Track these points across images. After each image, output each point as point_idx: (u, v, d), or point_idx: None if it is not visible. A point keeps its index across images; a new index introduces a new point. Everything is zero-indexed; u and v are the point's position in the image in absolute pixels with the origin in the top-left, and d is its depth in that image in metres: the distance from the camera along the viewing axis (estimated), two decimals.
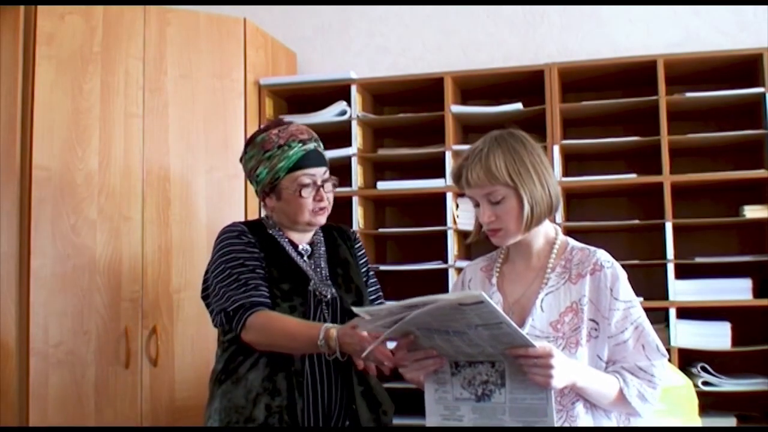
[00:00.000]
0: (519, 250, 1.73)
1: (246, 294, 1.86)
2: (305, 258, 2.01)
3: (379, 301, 2.16)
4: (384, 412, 1.98)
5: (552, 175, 1.68)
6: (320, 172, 1.97)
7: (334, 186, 2.02)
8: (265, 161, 1.94)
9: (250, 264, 1.90)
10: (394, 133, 3.31)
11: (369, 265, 2.18)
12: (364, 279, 2.10)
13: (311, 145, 1.97)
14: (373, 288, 2.15)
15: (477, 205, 1.68)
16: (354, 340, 1.68)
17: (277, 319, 1.84)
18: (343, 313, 1.95)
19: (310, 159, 1.96)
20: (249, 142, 2.01)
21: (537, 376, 1.44)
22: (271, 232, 2.00)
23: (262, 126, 2.05)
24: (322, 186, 1.97)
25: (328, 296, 1.95)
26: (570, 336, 1.60)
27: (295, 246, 2.01)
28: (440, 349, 1.53)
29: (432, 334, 1.49)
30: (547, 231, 1.73)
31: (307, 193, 1.94)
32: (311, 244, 2.05)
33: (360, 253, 2.14)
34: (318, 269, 2.00)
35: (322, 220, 1.99)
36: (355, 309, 1.60)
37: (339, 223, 2.19)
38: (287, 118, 3.10)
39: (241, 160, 2.04)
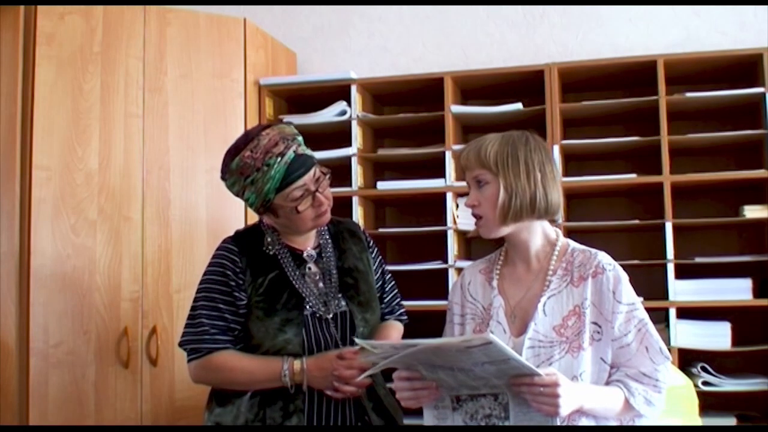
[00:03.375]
0: (518, 252, 1.73)
1: (198, 338, 1.82)
2: (310, 265, 1.92)
3: (397, 301, 2.10)
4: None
5: (551, 178, 1.68)
6: (310, 177, 1.82)
7: (329, 179, 1.87)
8: (249, 186, 1.80)
9: (220, 300, 1.83)
10: (394, 133, 3.31)
11: (384, 266, 2.08)
12: (379, 283, 2.03)
13: (290, 154, 1.79)
14: (391, 295, 2.07)
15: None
16: (323, 374, 1.74)
17: (225, 362, 1.81)
18: (352, 328, 1.88)
19: (295, 169, 1.79)
20: (225, 169, 1.84)
21: (544, 406, 1.44)
22: (269, 242, 1.90)
23: (231, 146, 1.85)
24: (317, 189, 1.83)
25: (332, 313, 1.87)
26: (573, 340, 1.60)
27: (298, 254, 1.92)
28: (442, 382, 1.51)
29: (435, 369, 1.49)
30: (547, 233, 1.73)
31: (304, 206, 1.81)
32: (318, 246, 1.96)
33: (374, 255, 2.05)
34: (327, 276, 1.92)
35: (326, 219, 1.88)
36: (357, 341, 1.60)
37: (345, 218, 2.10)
38: (287, 118, 3.11)
39: (222, 179, 1.88)
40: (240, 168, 1.80)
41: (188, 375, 1.89)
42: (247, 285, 1.85)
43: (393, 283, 2.10)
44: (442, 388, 1.53)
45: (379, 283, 2.04)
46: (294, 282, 1.87)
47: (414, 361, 1.49)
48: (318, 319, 1.85)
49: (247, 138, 1.82)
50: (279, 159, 1.77)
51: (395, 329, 2.05)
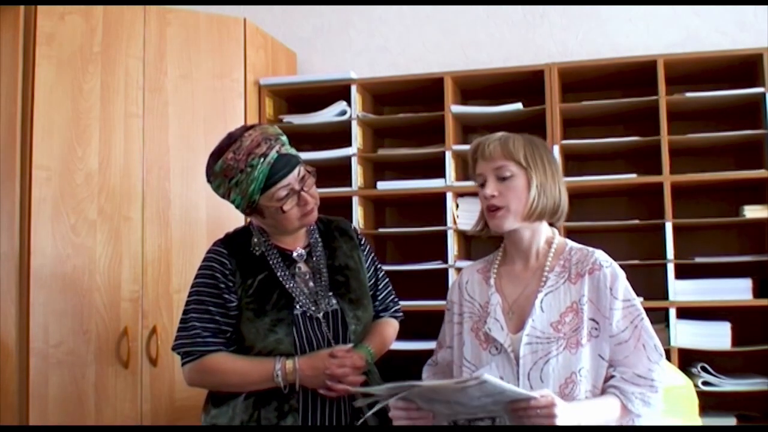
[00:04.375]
0: (518, 250, 1.74)
1: (190, 341, 1.83)
2: (300, 265, 1.91)
3: (391, 298, 2.08)
4: None
5: (564, 185, 1.71)
6: (294, 177, 1.81)
7: (314, 177, 1.86)
8: (233, 188, 1.80)
9: (210, 303, 1.83)
10: (394, 133, 3.31)
11: (377, 263, 2.07)
12: (372, 281, 2.02)
13: (273, 154, 1.78)
14: (385, 292, 2.06)
15: (483, 184, 1.69)
16: (316, 373, 1.76)
17: (218, 365, 1.81)
18: (344, 326, 1.88)
19: (279, 169, 1.79)
20: (209, 171, 1.84)
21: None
22: (255, 242, 1.89)
23: (214, 148, 1.84)
24: (302, 188, 1.82)
25: (322, 312, 1.86)
26: (571, 336, 1.61)
27: (288, 254, 1.91)
28: (438, 411, 1.53)
29: (432, 401, 1.51)
30: (548, 233, 1.75)
31: (289, 205, 1.81)
32: (308, 246, 1.95)
33: (366, 252, 2.03)
34: (317, 275, 1.91)
35: (312, 218, 1.88)
36: (351, 389, 1.67)
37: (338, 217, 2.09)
38: (287, 118, 3.11)
39: (208, 182, 1.88)
40: (224, 170, 1.79)
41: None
42: (237, 287, 1.84)
43: (387, 280, 2.09)
44: (439, 416, 1.55)
45: (372, 280, 2.03)
46: (284, 282, 1.86)
47: (410, 396, 1.51)
48: (309, 318, 1.85)
49: (230, 139, 1.82)
50: (262, 159, 1.77)
51: (390, 326, 2.06)
